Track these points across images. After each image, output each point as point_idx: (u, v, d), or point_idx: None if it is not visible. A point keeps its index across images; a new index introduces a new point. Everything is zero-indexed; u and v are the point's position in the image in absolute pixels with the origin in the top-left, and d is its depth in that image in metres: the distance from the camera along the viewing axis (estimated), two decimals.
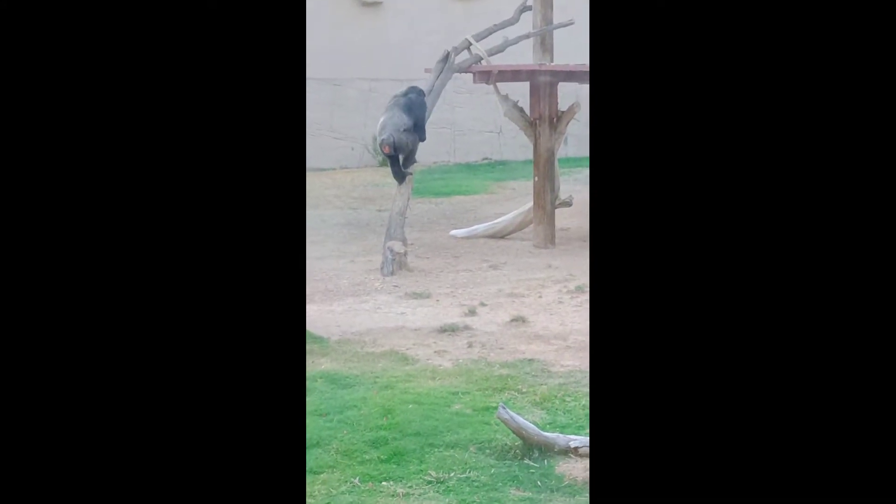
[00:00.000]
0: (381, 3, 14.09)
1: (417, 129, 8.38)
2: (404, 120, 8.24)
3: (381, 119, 8.42)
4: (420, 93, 8.51)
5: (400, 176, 8.46)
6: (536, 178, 9.20)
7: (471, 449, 4.44)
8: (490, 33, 9.33)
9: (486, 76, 9.14)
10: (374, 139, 13.90)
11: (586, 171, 10.70)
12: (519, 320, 6.65)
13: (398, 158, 8.37)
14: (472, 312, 6.88)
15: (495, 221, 9.75)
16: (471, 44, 9.07)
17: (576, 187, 10.49)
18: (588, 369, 2.22)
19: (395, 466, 4.28)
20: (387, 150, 8.28)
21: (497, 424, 4.56)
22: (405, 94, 8.47)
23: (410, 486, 4.08)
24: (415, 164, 8.57)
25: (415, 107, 8.36)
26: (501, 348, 6.07)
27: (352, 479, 4.14)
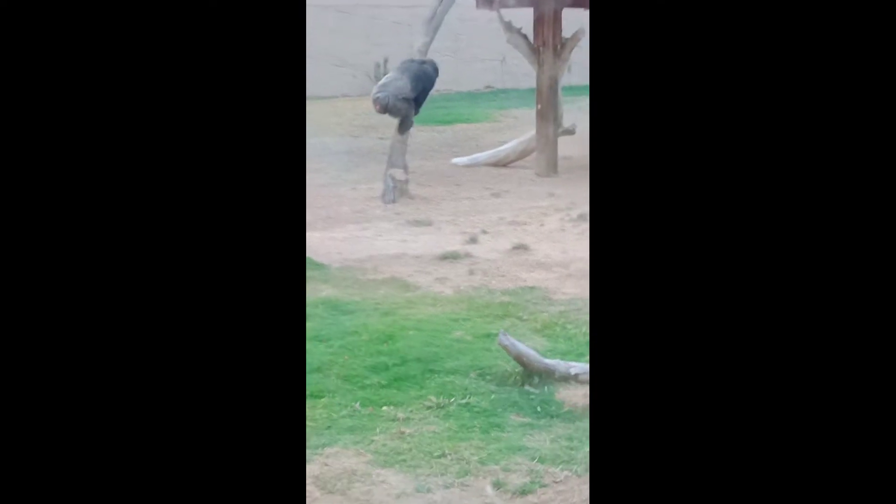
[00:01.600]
0: None
1: (417, 103, 8.28)
2: (407, 88, 8.12)
3: (386, 76, 8.33)
4: (435, 68, 8.40)
5: (401, 128, 8.31)
6: (539, 106, 9.13)
7: (471, 375, 4.45)
8: None
9: (490, 2, 9.04)
10: (376, 67, 13.84)
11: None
12: (520, 248, 6.64)
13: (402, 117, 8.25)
14: (473, 240, 6.87)
15: (497, 150, 9.71)
16: None
17: (579, 115, 10.41)
18: (589, 297, 2.21)
19: (395, 392, 4.29)
20: (377, 108, 8.16)
21: (498, 351, 4.57)
22: (421, 62, 8.35)
23: (411, 412, 4.09)
24: (412, 126, 8.42)
25: (424, 79, 8.25)
26: (503, 276, 6.06)
27: (352, 404, 4.15)
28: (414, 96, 8.20)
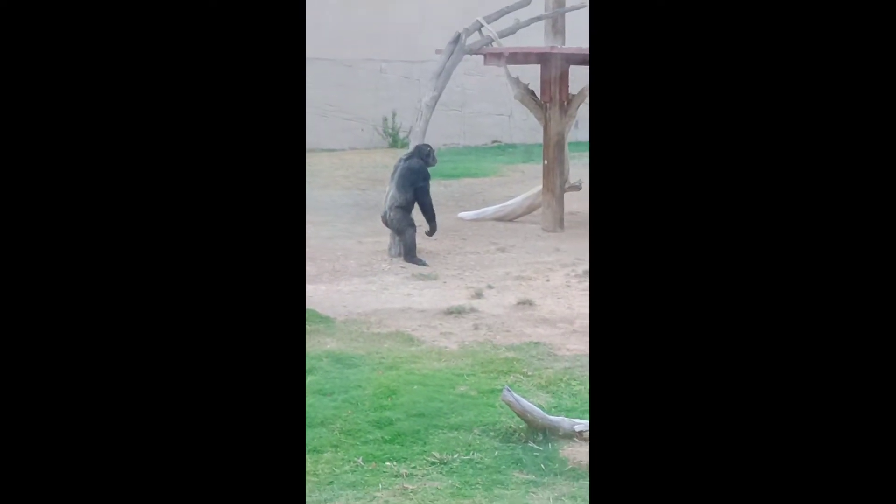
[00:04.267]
0: None
1: (418, 198, 8.01)
2: (397, 196, 7.97)
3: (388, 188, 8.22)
4: (423, 156, 8.18)
5: (408, 255, 7.91)
6: (546, 162, 9.16)
7: (475, 431, 4.43)
8: (501, 15, 9.28)
9: (497, 58, 9.10)
10: (384, 121, 13.93)
11: None
12: (526, 303, 6.63)
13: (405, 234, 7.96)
14: (478, 295, 6.86)
15: (504, 204, 9.72)
16: (482, 26, 9.03)
17: (585, 171, 10.44)
18: (589, 352, 2.20)
19: (398, 447, 4.27)
20: (385, 223, 8.12)
21: (502, 407, 4.55)
22: (407, 158, 8.16)
23: (413, 467, 4.07)
24: (423, 265, 7.75)
25: (410, 175, 8.01)
26: (508, 331, 6.06)
27: (355, 459, 4.13)
28: (406, 198, 7.99)
